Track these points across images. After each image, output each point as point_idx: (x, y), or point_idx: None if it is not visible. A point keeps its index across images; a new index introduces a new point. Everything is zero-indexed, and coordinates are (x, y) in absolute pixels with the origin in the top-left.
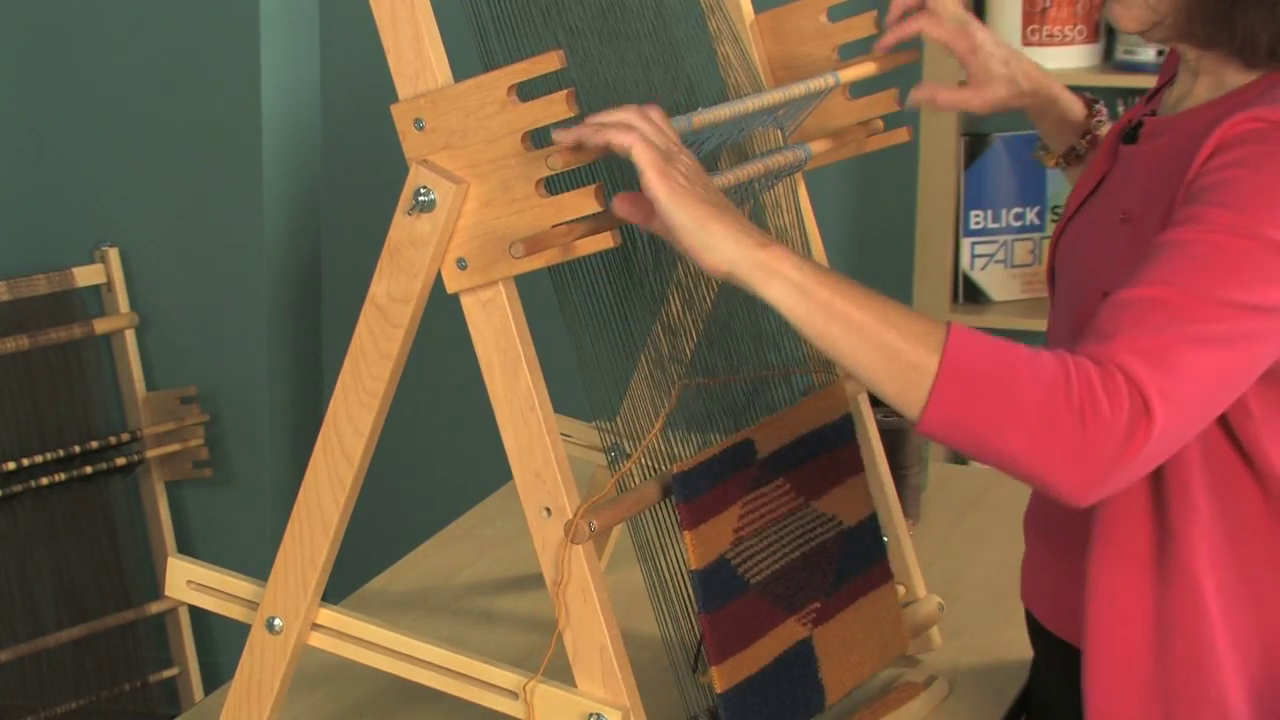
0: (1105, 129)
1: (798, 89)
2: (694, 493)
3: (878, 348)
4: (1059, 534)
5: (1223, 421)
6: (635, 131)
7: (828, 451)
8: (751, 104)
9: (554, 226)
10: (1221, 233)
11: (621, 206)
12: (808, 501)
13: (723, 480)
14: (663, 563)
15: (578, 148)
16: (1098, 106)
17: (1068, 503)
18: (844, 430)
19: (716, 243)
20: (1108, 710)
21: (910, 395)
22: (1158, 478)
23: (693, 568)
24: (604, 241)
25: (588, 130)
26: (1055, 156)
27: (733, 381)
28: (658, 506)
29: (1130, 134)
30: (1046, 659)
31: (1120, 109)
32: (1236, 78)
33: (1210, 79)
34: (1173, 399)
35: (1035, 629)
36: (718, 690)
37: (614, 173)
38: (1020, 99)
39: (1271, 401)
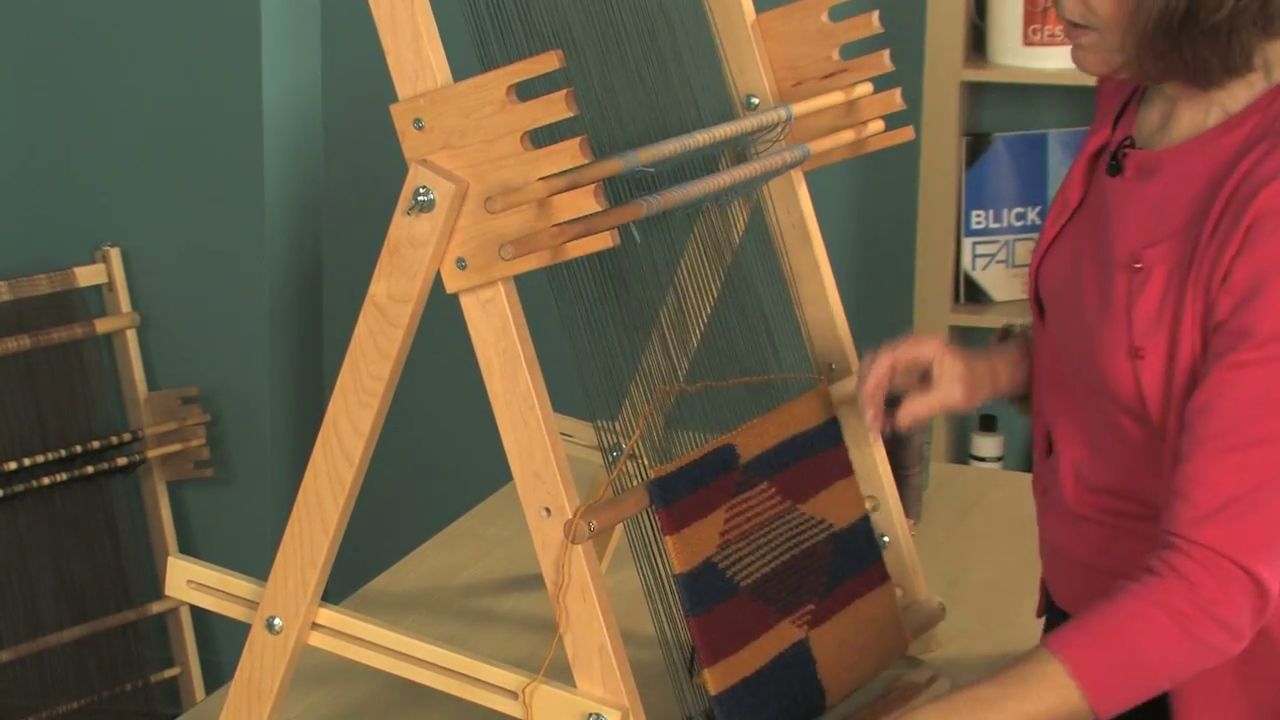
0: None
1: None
2: (673, 497)
3: None
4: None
5: None
6: None
7: (812, 455)
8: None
9: (552, 226)
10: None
11: None
12: (794, 505)
13: (705, 485)
14: (659, 564)
15: None
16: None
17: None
18: (829, 434)
19: None
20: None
21: None
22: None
23: (676, 571)
24: (602, 241)
25: None
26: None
27: (735, 384)
28: (650, 509)
29: (1114, 165)
30: None
31: None
32: (1222, 95)
33: (1194, 105)
34: None
35: (1052, 609)
36: (711, 692)
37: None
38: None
39: None
